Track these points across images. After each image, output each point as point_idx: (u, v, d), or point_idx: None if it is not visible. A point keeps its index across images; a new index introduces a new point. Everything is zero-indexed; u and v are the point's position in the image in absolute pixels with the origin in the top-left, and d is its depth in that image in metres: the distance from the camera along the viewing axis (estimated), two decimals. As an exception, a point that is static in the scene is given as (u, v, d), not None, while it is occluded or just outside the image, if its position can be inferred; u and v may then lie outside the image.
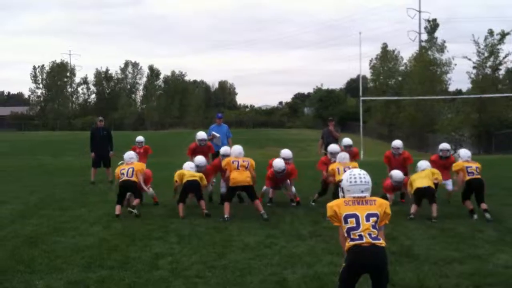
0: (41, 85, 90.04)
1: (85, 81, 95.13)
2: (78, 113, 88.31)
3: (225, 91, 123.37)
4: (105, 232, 8.69)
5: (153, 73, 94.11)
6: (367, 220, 4.55)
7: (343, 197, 4.79)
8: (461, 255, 7.09)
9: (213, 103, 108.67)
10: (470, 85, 49.26)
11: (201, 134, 12.75)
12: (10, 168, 20.97)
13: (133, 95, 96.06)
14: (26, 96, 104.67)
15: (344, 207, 4.63)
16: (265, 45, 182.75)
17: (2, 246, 7.83)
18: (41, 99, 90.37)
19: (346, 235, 4.56)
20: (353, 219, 4.55)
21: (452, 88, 61.47)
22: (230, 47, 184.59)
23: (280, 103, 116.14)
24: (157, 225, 9.16)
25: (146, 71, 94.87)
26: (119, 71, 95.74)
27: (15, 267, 6.70)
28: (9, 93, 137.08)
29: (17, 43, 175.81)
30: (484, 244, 7.73)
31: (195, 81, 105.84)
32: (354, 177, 4.73)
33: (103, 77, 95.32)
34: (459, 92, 60.31)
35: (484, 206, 9.90)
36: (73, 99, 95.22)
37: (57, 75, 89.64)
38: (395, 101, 55.98)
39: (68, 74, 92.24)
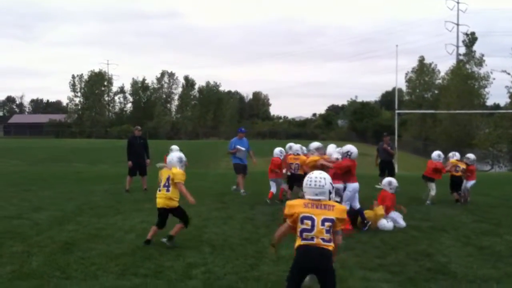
0: (79, 94, 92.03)
1: (121, 90, 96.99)
2: (114, 122, 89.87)
3: (259, 102, 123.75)
4: (139, 240, 8.75)
5: (188, 83, 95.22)
6: (322, 224, 4.69)
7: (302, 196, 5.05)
8: (498, 274, 6.92)
9: (247, 114, 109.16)
10: (508, 100, 48.24)
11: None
12: (47, 175, 21.39)
13: (168, 105, 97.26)
14: (64, 104, 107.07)
15: (302, 209, 4.76)
16: (300, 58, 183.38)
17: (39, 251, 7.98)
18: (79, 107, 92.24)
19: (298, 234, 4.75)
20: (309, 221, 4.70)
21: (490, 102, 60.53)
22: (265, 59, 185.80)
23: (314, 114, 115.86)
24: (190, 235, 9.20)
25: (181, 81, 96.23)
26: (155, 81, 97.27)
27: (51, 272, 6.81)
28: (47, 101, 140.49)
29: (57, 53, 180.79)
30: (523, 263, 7.52)
31: (229, 92, 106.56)
32: (310, 179, 4.89)
33: (139, 87, 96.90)
34: (497, 106, 59.32)
35: (456, 196, 13.50)
36: (110, 108, 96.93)
37: (95, 84, 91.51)
38: (431, 115, 55.29)
39: (105, 83, 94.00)
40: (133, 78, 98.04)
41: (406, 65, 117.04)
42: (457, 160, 13.90)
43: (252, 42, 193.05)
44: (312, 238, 4.65)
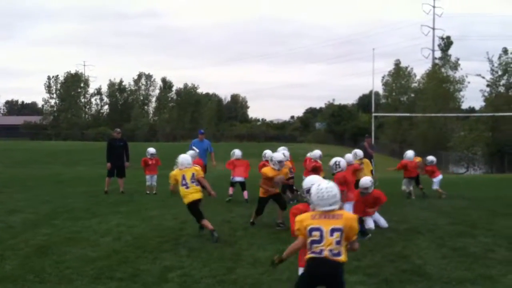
0: (54, 95, 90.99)
1: (98, 92, 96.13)
2: (91, 124, 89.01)
3: (237, 104, 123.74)
4: (115, 244, 8.69)
5: (166, 85, 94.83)
6: (331, 235, 4.59)
7: (313, 209, 4.87)
8: (473, 275, 7.00)
9: (225, 116, 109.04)
10: (483, 103, 49.04)
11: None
12: (23, 177, 21.11)
13: (145, 107, 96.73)
14: (40, 105, 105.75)
15: (310, 221, 4.70)
16: (278, 59, 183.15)
17: (13, 255, 7.86)
18: (55, 109, 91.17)
19: (308, 247, 4.65)
20: (318, 233, 4.62)
21: (465, 105, 61.38)
22: (243, 60, 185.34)
23: (292, 117, 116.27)
24: (167, 238, 9.15)
25: (159, 83, 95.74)
26: (132, 83, 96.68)
27: (25, 276, 6.71)
28: (23, 102, 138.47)
29: (32, 52, 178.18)
30: (496, 264, 7.62)
31: (207, 94, 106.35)
32: (321, 191, 4.78)
33: (116, 88, 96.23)
34: (472, 110, 60.18)
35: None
36: (86, 110, 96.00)
37: (71, 86, 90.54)
38: (407, 118, 55.86)
39: (82, 84, 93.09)
40: (110, 80, 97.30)
41: (384, 68, 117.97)
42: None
43: (231, 43, 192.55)
44: (321, 251, 4.56)
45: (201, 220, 9.22)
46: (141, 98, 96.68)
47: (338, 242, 4.58)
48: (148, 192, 15.44)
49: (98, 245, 8.61)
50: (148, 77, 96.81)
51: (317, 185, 4.87)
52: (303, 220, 4.75)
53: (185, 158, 9.65)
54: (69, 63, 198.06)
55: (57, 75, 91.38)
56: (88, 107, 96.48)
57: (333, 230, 4.59)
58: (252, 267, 7.25)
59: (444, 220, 11.38)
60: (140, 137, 78.85)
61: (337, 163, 10.17)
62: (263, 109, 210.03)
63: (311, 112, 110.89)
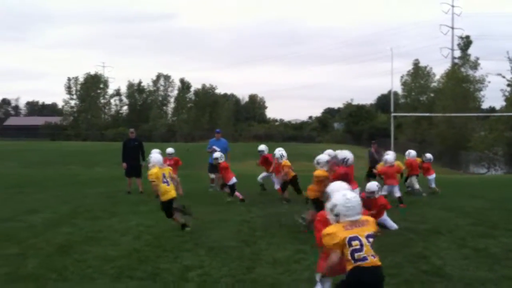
0: (74, 96, 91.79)
1: (117, 93, 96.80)
2: (110, 124, 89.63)
3: (255, 105, 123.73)
4: (136, 243, 8.75)
5: (184, 86, 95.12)
6: (368, 241, 4.67)
7: (337, 221, 4.79)
8: (495, 276, 6.92)
9: (243, 117, 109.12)
10: (504, 103, 48.37)
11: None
12: (42, 177, 21.34)
13: (164, 107, 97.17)
14: (60, 106, 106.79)
15: (344, 232, 4.65)
16: (296, 60, 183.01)
17: (35, 253, 7.95)
18: (74, 109, 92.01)
19: (349, 257, 4.60)
20: (357, 242, 4.61)
21: (485, 105, 60.66)
22: (261, 61, 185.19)
23: (310, 117, 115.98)
24: (186, 237, 9.18)
25: (177, 84, 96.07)
26: (151, 84, 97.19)
27: (47, 275, 6.79)
28: (43, 103, 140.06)
29: (52, 55, 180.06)
30: (519, 265, 7.53)
31: (225, 95, 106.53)
32: (350, 201, 4.76)
33: (135, 89, 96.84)
34: (492, 109, 59.49)
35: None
36: (106, 111, 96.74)
37: (91, 87, 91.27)
38: (426, 118, 55.36)
39: (101, 85, 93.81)
40: (128, 81, 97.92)
41: (402, 68, 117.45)
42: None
43: (248, 44, 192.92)
44: (364, 258, 4.58)
45: (173, 217, 9.83)
46: (160, 98, 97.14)
47: (372, 246, 4.68)
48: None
49: (118, 244, 8.67)
50: (167, 78, 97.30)
51: (343, 195, 4.85)
52: (336, 233, 4.67)
53: (159, 157, 10.38)
54: (88, 65, 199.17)
55: (77, 77, 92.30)
56: (107, 108, 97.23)
57: (368, 237, 4.68)
58: (271, 267, 7.25)
59: (464, 220, 11.26)
60: (159, 137, 79.20)
61: (346, 159, 10.16)
62: (281, 109, 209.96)
63: (329, 113, 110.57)
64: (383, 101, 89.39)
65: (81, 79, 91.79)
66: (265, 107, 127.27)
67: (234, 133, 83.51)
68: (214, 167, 16.07)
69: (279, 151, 13.80)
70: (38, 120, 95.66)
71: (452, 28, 65.25)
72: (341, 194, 4.86)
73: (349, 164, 10.19)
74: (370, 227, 4.76)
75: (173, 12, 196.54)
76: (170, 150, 15.92)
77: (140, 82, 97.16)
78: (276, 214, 11.80)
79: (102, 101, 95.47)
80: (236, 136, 79.94)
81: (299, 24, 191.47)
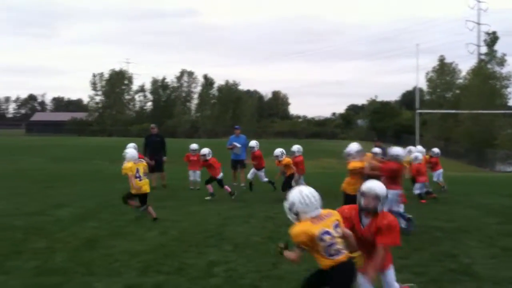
0: (99, 92, 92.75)
1: (142, 89, 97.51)
2: (134, 120, 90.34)
3: (278, 101, 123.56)
4: (161, 238, 8.81)
5: (208, 82, 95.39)
6: (336, 232, 4.57)
7: (298, 219, 4.59)
8: (525, 276, 6.80)
9: (266, 113, 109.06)
10: (532, 100, 47.51)
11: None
12: (69, 172, 21.60)
13: (187, 103, 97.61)
14: (85, 102, 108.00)
15: (314, 227, 4.48)
16: (319, 56, 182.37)
17: (63, 247, 8.05)
18: (99, 105, 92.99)
19: (323, 253, 4.49)
20: (328, 236, 4.49)
21: (512, 102, 59.53)
22: (284, 57, 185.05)
23: (333, 114, 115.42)
24: (212, 233, 9.21)
25: (200, 80, 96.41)
26: (174, 80, 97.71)
27: (74, 268, 6.88)
28: (69, 99, 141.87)
29: (78, 51, 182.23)
30: (550, 265, 7.39)
31: (248, 91, 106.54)
32: (307, 197, 4.59)
33: (159, 85, 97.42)
34: (520, 106, 58.33)
35: None
36: (130, 106, 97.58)
37: (115, 83, 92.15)
38: (452, 115, 54.68)
39: (125, 82, 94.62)
40: (153, 77, 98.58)
41: (426, 64, 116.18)
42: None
43: (270, 40, 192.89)
44: (338, 251, 4.50)
45: (148, 208, 10.43)
46: (183, 95, 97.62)
47: (341, 236, 4.60)
48: (191, 187, 15.62)
49: (144, 239, 8.74)
50: (190, 74, 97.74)
51: (299, 192, 4.64)
52: (306, 231, 4.46)
53: (134, 153, 11.00)
54: (112, 61, 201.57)
55: (102, 73, 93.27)
56: (131, 104, 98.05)
57: (335, 227, 4.58)
58: (297, 264, 7.21)
59: (493, 219, 11.09)
60: (182, 133, 79.63)
61: (398, 156, 10.02)
62: (304, 106, 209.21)
63: (353, 109, 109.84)
64: (408, 98, 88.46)
65: (106, 75, 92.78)
66: (288, 104, 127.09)
67: (257, 129, 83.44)
68: (237, 163, 16.23)
69: (279, 150, 13.90)
70: (64, 116, 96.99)
71: (478, 24, 64.20)
72: (297, 191, 4.66)
73: (399, 161, 10.04)
74: (334, 217, 4.63)
75: (195, 9, 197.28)
76: (194, 146, 15.98)
77: (164, 78, 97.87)
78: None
79: (127, 97, 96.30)
80: (259, 133, 79.89)
81: (321, 20, 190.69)
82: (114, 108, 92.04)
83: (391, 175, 9.78)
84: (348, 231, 4.72)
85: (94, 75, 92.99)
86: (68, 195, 14.05)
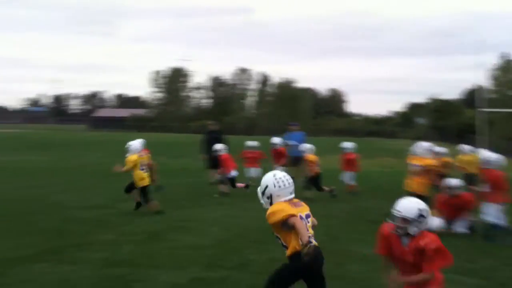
0: (159, 89, 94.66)
1: (200, 86, 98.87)
2: (193, 117, 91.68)
3: (335, 99, 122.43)
4: (223, 233, 8.92)
5: (264, 79, 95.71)
6: (307, 221, 4.51)
7: (270, 203, 4.59)
8: None
9: (323, 110, 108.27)
10: None
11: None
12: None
13: (244, 101, 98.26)
14: (143, 99, 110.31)
15: (293, 209, 4.43)
16: (374, 53, 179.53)
17: (128, 240, 8.27)
18: (159, 102, 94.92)
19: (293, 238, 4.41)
20: (304, 221, 4.43)
21: None
22: (340, 53, 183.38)
23: (394, 112, 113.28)
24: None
25: (257, 77, 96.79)
26: (231, 77, 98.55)
27: (140, 261, 7.04)
28: (128, 95, 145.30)
29: (134, 48, 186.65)
30: None
31: (304, 88, 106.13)
32: (281, 180, 4.61)
33: (216, 83, 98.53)
34: None
35: None
36: (188, 103, 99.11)
37: (174, 80, 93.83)
38: (518, 114, 52.69)
39: (183, 79, 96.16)
40: (210, 74, 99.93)
41: (489, 61, 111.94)
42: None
43: (326, 37, 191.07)
44: (309, 239, 4.29)
45: (149, 203, 10.74)
46: (240, 92, 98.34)
47: (312, 227, 4.58)
48: (249, 183, 15.65)
49: (207, 234, 8.85)
50: (246, 71, 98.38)
51: (273, 175, 4.67)
52: (284, 209, 4.39)
53: (138, 145, 11.32)
54: (170, 58, 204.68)
55: (161, 70, 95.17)
56: (190, 100, 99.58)
57: (307, 216, 4.54)
58: (361, 263, 7.16)
59: None
60: (239, 130, 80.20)
61: (490, 161, 9.21)
62: (361, 103, 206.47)
63: (412, 107, 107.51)
64: (471, 96, 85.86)
65: (165, 72, 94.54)
66: (346, 101, 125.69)
67: (314, 127, 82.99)
68: (295, 160, 16.12)
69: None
70: (124, 112, 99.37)
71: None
72: (271, 174, 4.68)
73: (496, 168, 9.16)
74: (306, 208, 4.63)
75: (250, 6, 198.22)
76: (250, 143, 15.97)
77: (221, 76, 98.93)
78: (360, 209, 11.67)
79: (185, 94, 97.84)
80: (315, 131, 79.49)
81: (378, 15, 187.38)
82: (173, 105, 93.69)
83: (496, 183, 8.94)
84: (314, 224, 4.70)
85: (153, 72, 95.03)
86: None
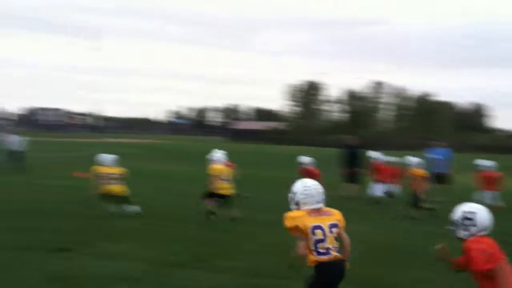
0: (295, 103, 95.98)
1: (335, 99, 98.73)
2: (329, 130, 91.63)
3: (478, 113, 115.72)
4: (369, 249, 8.73)
5: (401, 92, 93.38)
6: (331, 231, 4.55)
7: (297, 209, 4.67)
8: None
9: (463, 125, 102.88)
10: None
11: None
12: (270, 178, 22.54)
13: (379, 114, 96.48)
14: (278, 112, 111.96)
15: (309, 218, 4.54)
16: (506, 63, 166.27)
17: (271, 251, 8.39)
18: (295, 115, 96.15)
19: (313, 247, 4.51)
20: (320, 231, 4.51)
21: None
22: (481, 66, 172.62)
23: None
24: (418, 247, 8.90)
25: (392, 90, 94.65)
26: (366, 90, 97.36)
27: (285, 273, 7.09)
28: (263, 108, 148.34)
29: (266, 61, 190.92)
30: None
31: (443, 102, 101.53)
32: (309, 188, 4.69)
33: (351, 96, 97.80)
34: None
35: None
36: (324, 117, 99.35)
37: (310, 93, 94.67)
38: None
39: (317, 92, 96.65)
40: (344, 88, 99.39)
41: None
42: None
43: (465, 47, 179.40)
44: (328, 250, 4.52)
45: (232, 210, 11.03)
46: (375, 105, 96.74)
47: (336, 238, 4.60)
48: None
49: (355, 249, 8.70)
50: (382, 84, 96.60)
51: (302, 183, 4.78)
52: (301, 217, 4.56)
53: (221, 156, 11.64)
54: (302, 72, 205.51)
55: (296, 84, 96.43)
56: (325, 114, 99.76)
57: (331, 226, 4.58)
58: None
59: None
60: (374, 144, 78.71)
61: None
62: (503, 118, 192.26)
63: None
64: None
65: (300, 86, 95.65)
66: (489, 115, 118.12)
67: (455, 143, 79.18)
68: (439, 178, 15.31)
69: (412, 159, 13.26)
70: (259, 125, 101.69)
71: None
72: (301, 182, 4.80)
73: None
74: (334, 217, 4.66)
75: (383, 17, 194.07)
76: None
77: (355, 89, 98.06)
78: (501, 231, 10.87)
79: (320, 107, 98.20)
80: (456, 146, 75.66)
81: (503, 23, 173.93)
82: (308, 118, 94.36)
83: None
84: (346, 237, 4.72)
85: (290, 86, 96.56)
86: (272, 201, 14.55)
